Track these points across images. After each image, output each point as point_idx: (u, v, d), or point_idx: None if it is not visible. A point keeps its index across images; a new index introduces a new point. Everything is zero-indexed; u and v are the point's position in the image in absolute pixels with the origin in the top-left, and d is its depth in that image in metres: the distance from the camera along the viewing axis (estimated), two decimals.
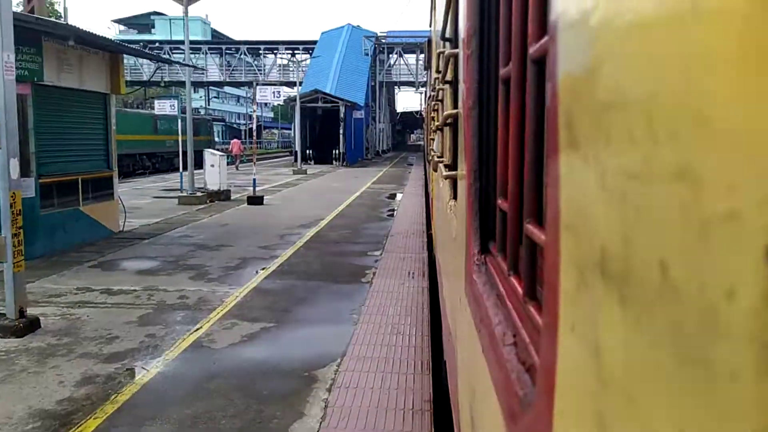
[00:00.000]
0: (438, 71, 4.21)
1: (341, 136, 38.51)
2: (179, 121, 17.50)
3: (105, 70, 11.66)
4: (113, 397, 4.73)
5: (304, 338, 6.11)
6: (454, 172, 2.99)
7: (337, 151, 38.90)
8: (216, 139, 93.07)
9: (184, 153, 19.99)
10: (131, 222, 13.39)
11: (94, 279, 8.39)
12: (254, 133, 17.41)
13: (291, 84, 45.97)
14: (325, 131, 42.54)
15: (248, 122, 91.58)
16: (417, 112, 68.58)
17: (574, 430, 0.77)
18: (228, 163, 45.09)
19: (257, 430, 4.24)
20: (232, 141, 40.44)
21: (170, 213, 15.21)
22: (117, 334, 6.12)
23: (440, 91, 4.20)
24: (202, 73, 54.77)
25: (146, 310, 6.96)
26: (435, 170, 5.93)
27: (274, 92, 16.51)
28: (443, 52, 3.25)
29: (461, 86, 2.44)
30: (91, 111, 11.41)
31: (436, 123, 4.83)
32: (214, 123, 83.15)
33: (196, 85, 57.13)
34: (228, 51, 56.38)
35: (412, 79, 53.82)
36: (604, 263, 0.65)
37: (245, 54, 54.77)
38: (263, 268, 9.08)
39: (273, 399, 4.73)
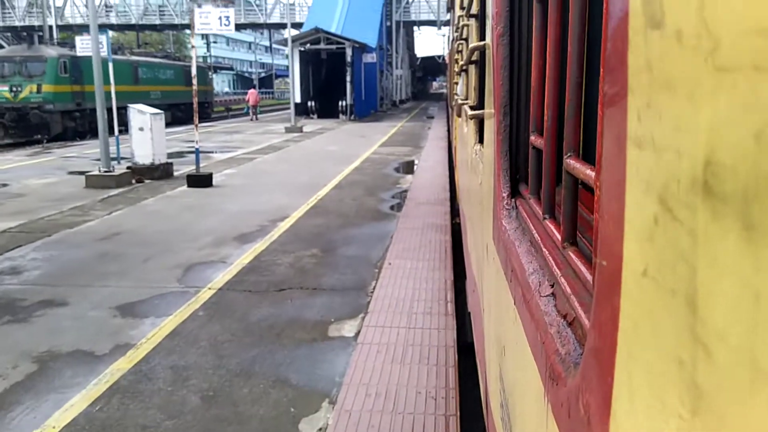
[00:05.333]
0: (462, 7, 4.05)
1: (348, 84, 32.06)
2: (106, 65, 11.90)
3: None
4: None
5: None
6: (480, 111, 2.81)
7: (344, 103, 32.61)
8: (227, 89, 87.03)
9: (118, 109, 14.69)
10: None
11: None
12: (194, 79, 11.73)
13: (297, 26, 39.68)
14: (332, 79, 35.84)
15: (260, 71, 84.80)
16: (439, 57, 61.97)
17: (640, 403, 0.61)
18: (244, 114, 40.61)
19: None
20: (249, 91, 39.22)
21: (54, 206, 9.79)
22: None
23: (465, 28, 4.07)
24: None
25: None
26: (459, 116, 5.38)
27: (221, 17, 10.76)
28: None
29: (490, 11, 2.26)
30: None
31: (461, 63, 4.52)
32: (220, 71, 77.07)
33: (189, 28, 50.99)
34: None
35: (433, 18, 47.11)
36: (709, 179, 0.48)
37: None
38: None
39: None
